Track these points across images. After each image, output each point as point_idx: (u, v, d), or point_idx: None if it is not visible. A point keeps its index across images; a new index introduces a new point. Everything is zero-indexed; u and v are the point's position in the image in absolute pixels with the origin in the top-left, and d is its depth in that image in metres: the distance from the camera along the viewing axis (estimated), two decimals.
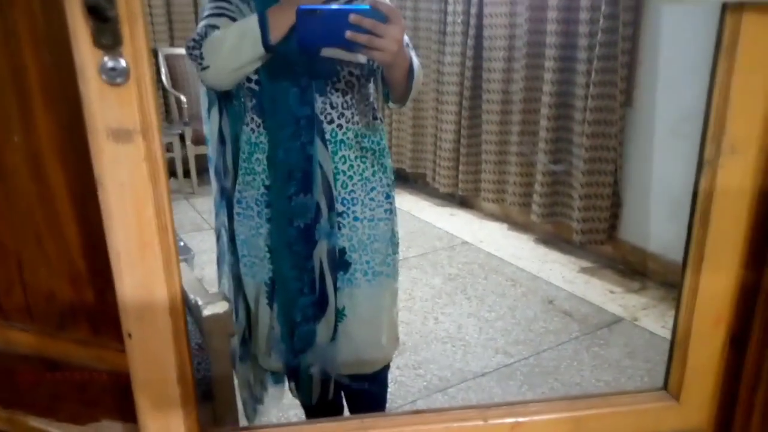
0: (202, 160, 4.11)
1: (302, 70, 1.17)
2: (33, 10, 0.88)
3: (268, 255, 1.31)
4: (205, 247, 3.24)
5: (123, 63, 0.54)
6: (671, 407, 0.74)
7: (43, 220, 1.02)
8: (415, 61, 1.18)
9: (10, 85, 0.95)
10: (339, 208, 1.26)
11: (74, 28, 0.53)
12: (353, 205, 1.27)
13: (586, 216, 2.88)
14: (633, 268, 2.89)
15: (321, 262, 1.28)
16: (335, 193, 1.25)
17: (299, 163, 1.20)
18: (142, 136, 0.56)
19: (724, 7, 0.58)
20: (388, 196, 1.32)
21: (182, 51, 4.24)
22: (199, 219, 3.67)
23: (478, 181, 3.56)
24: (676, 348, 0.73)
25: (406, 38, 1.22)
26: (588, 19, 2.71)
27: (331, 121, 1.22)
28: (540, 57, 3.01)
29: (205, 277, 2.87)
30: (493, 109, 3.33)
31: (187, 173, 4.11)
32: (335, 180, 1.24)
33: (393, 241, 1.35)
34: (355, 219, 1.28)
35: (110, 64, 0.54)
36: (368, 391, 1.50)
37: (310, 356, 1.35)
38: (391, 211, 1.33)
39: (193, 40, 1.13)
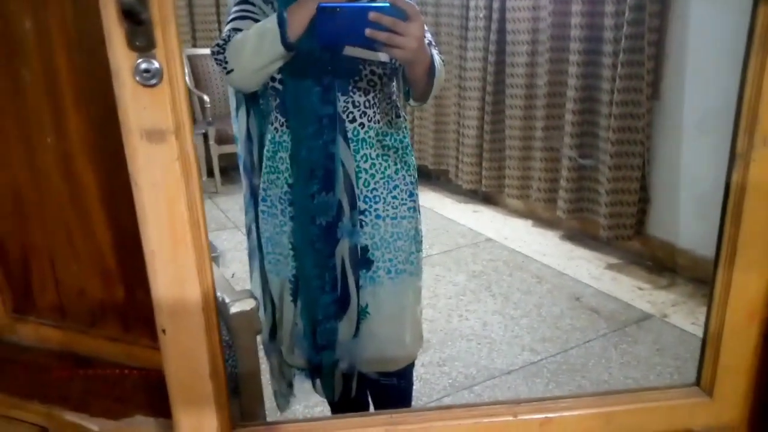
0: (225, 160, 4.16)
1: (325, 69, 1.18)
2: (65, 12, 0.90)
3: (291, 252, 1.32)
4: (229, 245, 3.27)
5: (156, 64, 0.55)
6: (703, 403, 0.73)
7: (75, 219, 1.04)
8: (437, 58, 1.18)
9: (43, 87, 0.97)
10: (361, 206, 1.27)
11: (109, 30, 0.54)
12: (375, 203, 1.28)
13: (613, 211, 2.85)
14: (661, 264, 2.85)
15: (343, 260, 1.28)
16: (357, 191, 1.25)
17: (321, 161, 1.21)
18: (175, 136, 0.57)
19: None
20: (412, 194, 1.32)
21: (205, 51, 4.29)
22: (223, 218, 3.71)
23: (502, 177, 3.54)
24: (709, 344, 0.72)
25: (428, 35, 1.22)
26: (614, 11, 2.68)
27: (353, 120, 1.22)
28: (564, 51, 2.98)
29: (229, 275, 2.90)
30: (516, 104, 3.31)
31: (210, 172, 4.16)
32: (357, 178, 1.25)
33: (416, 239, 1.35)
34: (378, 217, 1.28)
35: (144, 65, 0.55)
36: (393, 389, 1.51)
37: (333, 353, 1.36)
38: (415, 209, 1.34)
39: (218, 44, 1.14)
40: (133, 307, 1.06)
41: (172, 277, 0.60)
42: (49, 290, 1.13)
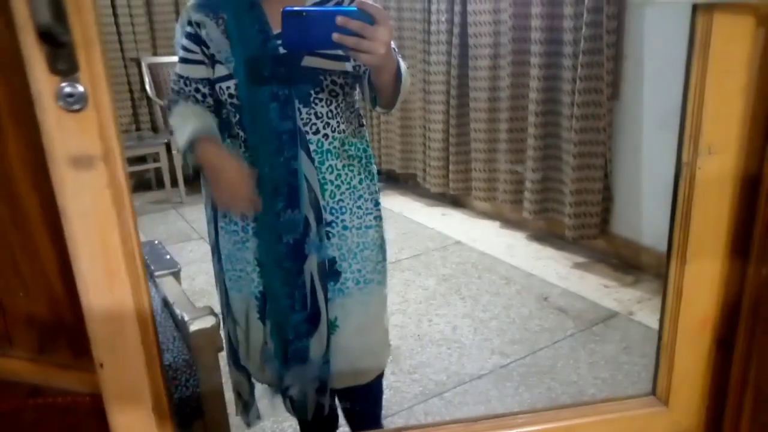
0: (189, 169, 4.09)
1: (282, 82, 1.15)
2: None
3: (256, 269, 1.29)
4: (194, 257, 3.22)
5: (81, 88, 0.52)
6: (660, 413, 0.73)
7: (18, 244, 1.00)
8: (402, 64, 1.16)
9: None
10: (327, 218, 1.25)
11: (28, 54, 0.52)
12: (342, 214, 1.26)
13: (577, 211, 2.87)
14: (626, 261, 2.89)
15: (312, 276, 1.26)
16: (323, 203, 1.23)
17: (284, 178, 1.19)
18: (104, 162, 0.54)
19: (695, 9, 0.57)
20: (377, 203, 1.31)
21: (166, 59, 4.22)
22: (188, 228, 3.65)
23: (469, 180, 3.55)
24: (663, 353, 0.72)
25: (392, 43, 1.21)
26: (572, 13, 2.70)
27: (317, 132, 1.20)
28: (525, 53, 3.01)
29: (195, 288, 2.85)
30: (480, 107, 3.32)
31: (174, 182, 4.09)
32: (323, 190, 1.23)
33: (382, 248, 1.34)
34: (345, 228, 1.26)
35: (67, 89, 0.52)
36: (363, 400, 1.49)
37: (304, 371, 1.34)
38: (380, 218, 1.32)
39: (169, 96, 1.23)
40: (83, 332, 1.03)
41: (107, 310, 0.58)
42: None
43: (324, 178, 1.22)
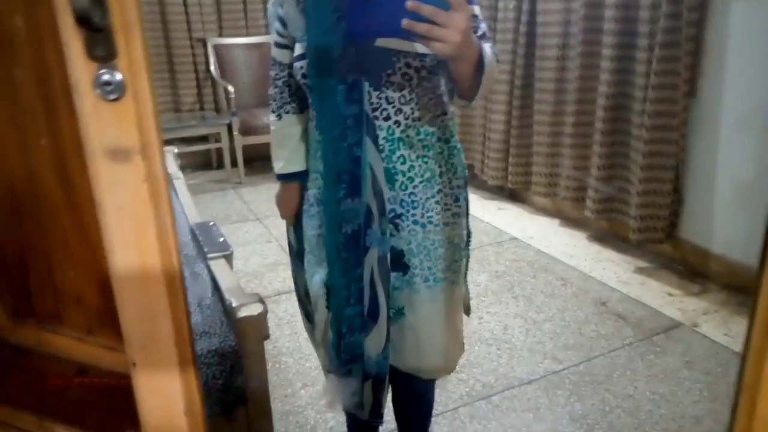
0: (249, 150, 4.13)
1: (351, 64, 1.08)
2: (54, 9, 0.85)
3: (324, 258, 1.25)
4: (250, 238, 3.25)
5: (119, 76, 0.49)
6: None
7: (71, 225, 1.00)
8: (488, 52, 1.04)
9: (36, 86, 0.92)
10: (398, 210, 1.19)
11: (66, 38, 0.49)
12: (413, 208, 1.19)
13: (644, 213, 2.73)
14: (693, 269, 2.73)
15: (372, 270, 1.21)
16: (391, 194, 1.18)
17: (347, 165, 1.13)
18: (141, 155, 0.51)
19: None
20: (457, 199, 1.23)
21: (231, 41, 4.26)
22: (245, 209, 3.68)
23: (529, 174, 3.44)
24: (744, 393, 0.64)
25: (483, 26, 1.12)
26: (649, 4, 2.55)
27: (387, 118, 1.13)
28: (596, 44, 2.86)
29: (248, 269, 2.87)
30: (545, 98, 3.19)
31: (234, 163, 4.13)
32: (392, 181, 1.17)
33: (460, 246, 1.26)
34: (415, 222, 1.20)
35: (105, 77, 0.49)
36: (419, 392, 1.45)
37: (360, 367, 1.29)
38: (460, 215, 1.24)
39: (275, 85, 1.29)
40: None
41: (141, 308, 0.55)
42: (46, 296, 1.09)
43: (394, 168, 1.16)
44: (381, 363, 1.27)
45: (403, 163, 1.16)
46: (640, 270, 2.80)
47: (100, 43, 0.48)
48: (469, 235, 1.32)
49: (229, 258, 1.89)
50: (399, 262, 1.22)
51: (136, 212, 0.52)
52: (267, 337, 1.45)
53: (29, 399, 1.06)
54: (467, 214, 1.29)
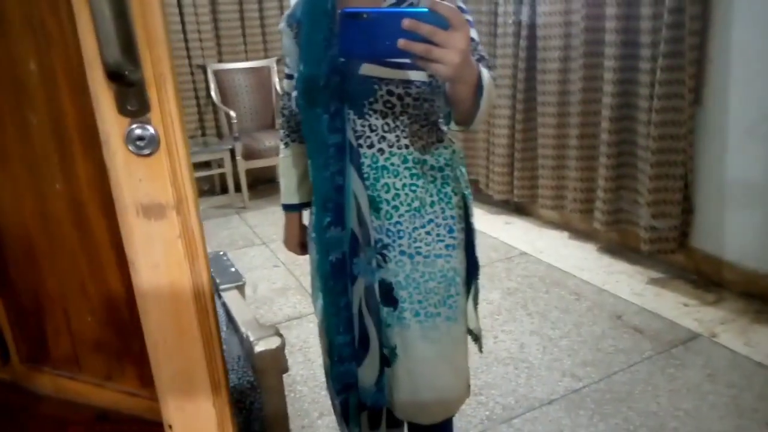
0: (253, 175, 4.12)
1: (334, 93, 1.08)
2: (69, 54, 0.83)
3: (319, 286, 1.25)
4: (257, 263, 3.22)
5: (151, 130, 0.47)
6: None
7: (87, 269, 0.98)
8: (486, 74, 0.99)
9: (50, 131, 0.91)
10: (384, 239, 1.16)
11: (96, 92, 0.47)
12: (399, 238, 1.15)
13: (654, 224, 2.70)
14: (708, 278, 2.70)
15: (361, 300, 1.19)
16: (376, 224, 1.15)
17: (330, 193, 1.13)
18: (176, 211, 0.49)
19: None
20: (452, 230, 1.18)
21: (231, 66, 4.26)
22: (250, 233, 3.66)
23: (535, 187, 3.42)
24: None
25: (481, 49, 1.09)
26: (651, 14, 2.54)
27: (371, 146, 1.11)
28: (599, 56, 2.86)
29: (258, 296, 2.85)
30: (549, 111, 3.18)
31: (238, 187, 4.12)
32: (378, 209, 1.14)
33: (456, 281, 1.20)
34: (402, 253, 1.16)
35: (138, 132, 0.47)
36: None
37: (354, 396, 1.27)
38: (455, 247, 1.19)
39: (282, 114, 1.34)
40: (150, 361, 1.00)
41: (178, 370, 0.53)
42: (63, 340, 1.07)
43: (379, 196, 1.13)
44: (376, 395, 1.25)
45: (388, 191, 1.13)
46: (653, 281, 2.77)
47: (132, 97, 0.46)
48: (476, 267, 1.25)
49: (241, 288, 1.86)
50: (389, 295, 1.18)
51: (171, 270, 0.50)
52: (286, 370, 1.42)
53: None
54: (469, 245, 1.23)
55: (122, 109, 0.46)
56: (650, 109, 2.62)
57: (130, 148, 0.47)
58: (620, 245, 3.08)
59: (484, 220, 3.66)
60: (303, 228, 1.44)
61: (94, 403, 1.08)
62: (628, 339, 2.32)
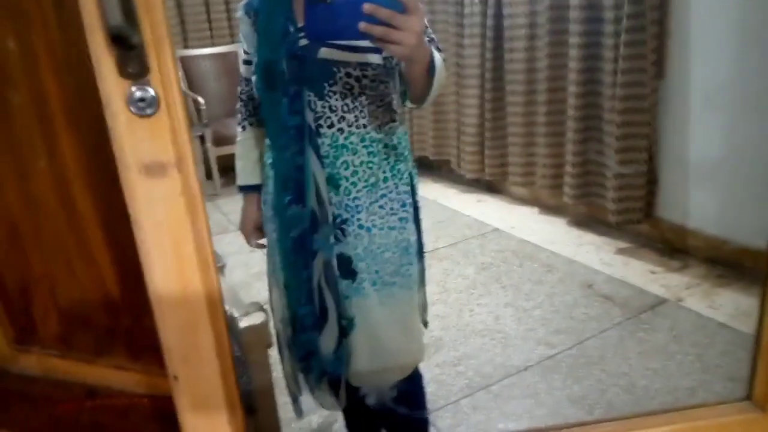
0: (224, 161, 4.09)
1: (293, 77, 1.13)
2: (50, 32, 0.84)
3: (279, 261, 1.30)
4: (232, 249, 3.21)
5: (152, 92, 0.49)
6: (757, 419, 0.68)
7: (74, 246, 0.99)
8: (437, 55, 1.10)
9: (33, 109, 0.91)
10: (344, 215, 1.21)
11: (98, 58, 0.49)
12: (358, 212, 1.21)
13: (621, 195, 2.79)
14: (673, 246, 2.80)
15: (320, 274, 1.25)
16: (336, 200, 1.21)
17: (291, 173, 1.18)
18: (178, 169, 0.52)
19: None
20: (404, 204, 1.25)
21: (198, 52, 4.21)
22: (224, 220, 3.65)
23: (506, 165, 3.48)
24: (761, 355, 0.67)
25: (430, 32, 1.17)
26: None
27: (331, 125, 1.17)
28: (564, 33, 2.91)
29: (234, 280, 2.86)
30: (517, 89, 3.24)
31: (209, 175, 4.10)
32: (338, 186, 1.20)
33: (409, 251, 1.27)
34: (360, 227, 1.22)
35: (138, 94, 0.49)
36: (399, 402, 1.45)
37: (315, 364, 1.33)
38: (407, 219, 1.26)
39: (240, 99, 1.36)
40: (140, 334, 1.02)
41: (182, 321, 0.55)
42: (51, 320, 1.08)
43: (338, 173, 1.19)
44: (335, 362, 1.30)
45: (347, 168, 1.19)
46: (621, 251, 2.86)
47: (133, 60, 0.48)
48: (421, 246, 1.33)
49: (221, 270, 1.87)
50: (348, 268, 1.24)
51: (174, 227, 0.53)
52: (270, 345, 1.45)
53: (40, 427, 1.04)
54: (417, 220, 1.31)
55: (123, 72, 0.49)
56: (614, 84, 2.69)
57: (132, 109, 0.49)
58: (589, 218, 3.17)
59: (457, 199, 3.72)
60: (260, 210, 1.46)
61: (83, 380, 1.10)
62: (598, 306, 2.40)
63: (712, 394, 1.85)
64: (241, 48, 1.29)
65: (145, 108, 0.49)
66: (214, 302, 0.56)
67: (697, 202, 2.68)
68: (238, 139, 1.39)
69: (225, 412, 0.60)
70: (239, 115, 1.38)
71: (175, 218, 0.52)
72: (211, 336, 0.56)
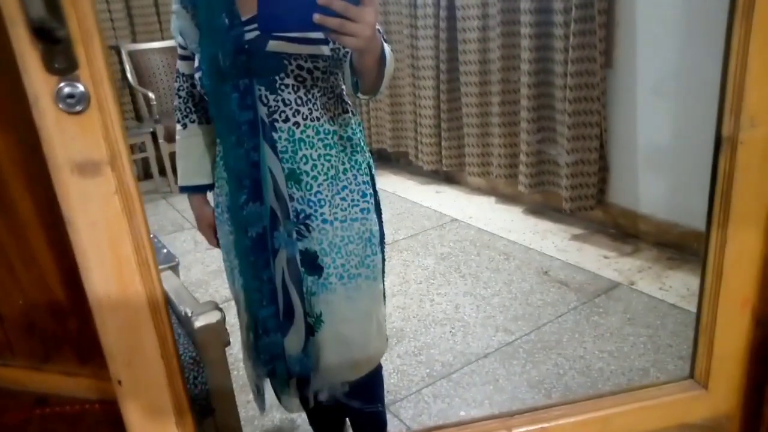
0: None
1: (243, 71, 1.10)
2: None
3: (237, 262, 1.26)
4: (188, 247, 3.16)
5: (81, 88, 0.48)
6: (700, 396, 0.71)
7: (14, 250, 0.95)
8: (387, 48, 1.09)
9: None
10: (307, 210, 1.19)
11: (21, 52, 0.47)
12: (320, 206, 1.20)
13: (573, 183, 2.85)
14: (625, 231, 2.88)
15: (284, 272, 1.22)
16: (298, 195, 1.18)
17: (246, 170, 1.15)
18: (111, 167, 0.50)
19: None
20: (364, 194, 1.24)
21: (146, 46, 4.11)
22: (179, 218, 3.58)
23: (462, 156, 3.52)
24: (702, 335, 0.69)
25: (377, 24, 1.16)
26: None
27: (286, 120, 1.14)
28: (515, 24, 2.95)
29: (192, 279, 2.81)
30: (471, 80, 3.26)
31: (162, 171, 4.01)
32: (299, 181, 1.17)
33: (372, 242, 1.27)
34: (324, 221, 1.20)
35: (67, 90, 0.47)
36: (362, 397, 1.45)
37: (280, 366, 1.31)
38: (369, 210, 1.25)
39: (178, 96, 1.30)
40: (89, 337, 0.98)
41: (123, 324, 0.54)
42: None
43: (299, 168, 1.17)
44: (303, 361, 1.29)
45: (306, 162, 1.17)
46: (575, 237, 2.92)
47: (59, 55, 0.46)
48: (382, 236, 1.33)
49: (175, 269, 1.84)
50: (314, 264, 1.22)
51: (110, 227, 0.51)
52: (228, 343, 1.43)
53: None
54: (378, 210, 1.30)
55: (50, 68, 0.46)
56: (565, 73, 2.74)
57: (61, 106, 0.47)
58: (544, 206, 3.23)
59: (415, 191, 3.74)
60: (211, 208, 1.41)
61: (31, 388, 1.06)
62: (554, 292, 2.45)
63: (665, 373, 1.92)
64: (177, 44, 1.24)
65: (74, 105, 0.47)
66: (157, 303, 0.54)
67: (646, 188, 2.76)
68: (178, 138, 1.33)
69: (173, 416, 0.59)
70: (178, 113, 1.32)
71: (111, 218, 0.51)
72: (154, 338, 0.55)
